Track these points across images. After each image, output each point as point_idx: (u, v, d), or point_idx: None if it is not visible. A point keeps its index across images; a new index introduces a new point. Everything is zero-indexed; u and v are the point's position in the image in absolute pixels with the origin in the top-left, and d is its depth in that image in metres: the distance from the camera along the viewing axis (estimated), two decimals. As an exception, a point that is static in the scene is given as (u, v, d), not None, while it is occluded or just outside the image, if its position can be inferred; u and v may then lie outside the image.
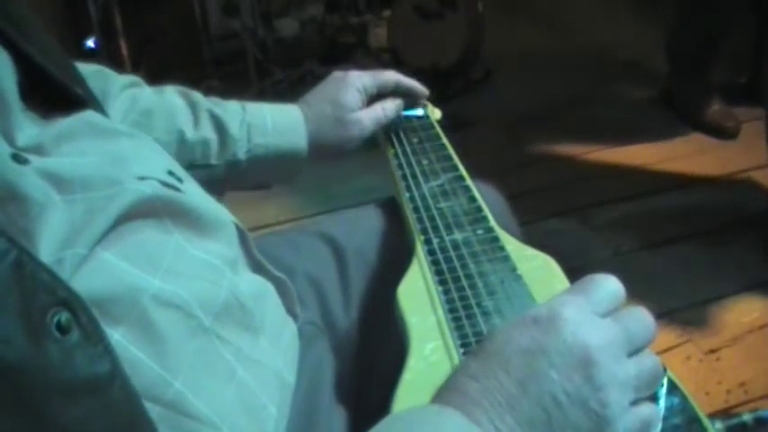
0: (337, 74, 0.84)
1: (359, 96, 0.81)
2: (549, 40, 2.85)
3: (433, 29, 2.48)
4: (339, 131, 0.81)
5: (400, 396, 0.53)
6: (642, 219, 1.85)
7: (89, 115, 0.54)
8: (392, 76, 0.85)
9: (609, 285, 0.45)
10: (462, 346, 0.56)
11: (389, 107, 0.84)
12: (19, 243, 0.36)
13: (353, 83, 0.82)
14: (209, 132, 0.75)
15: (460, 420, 0.41)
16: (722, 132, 2.13)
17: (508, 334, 0.43)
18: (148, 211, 0.49)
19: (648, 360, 0.43)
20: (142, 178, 0.50)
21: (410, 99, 0.87)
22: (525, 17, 3.06)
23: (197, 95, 0.78)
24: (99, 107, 0.58)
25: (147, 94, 0.75)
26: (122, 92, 0.73)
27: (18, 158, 0.43)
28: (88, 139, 0.51)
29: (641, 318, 0.45)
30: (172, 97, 0.76)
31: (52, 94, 0.52)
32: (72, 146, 0.49)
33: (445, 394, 0.43)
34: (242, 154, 0.76)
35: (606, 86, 2.49)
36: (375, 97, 0.84)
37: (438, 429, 0.41)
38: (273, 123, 0.78)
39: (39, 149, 0.46)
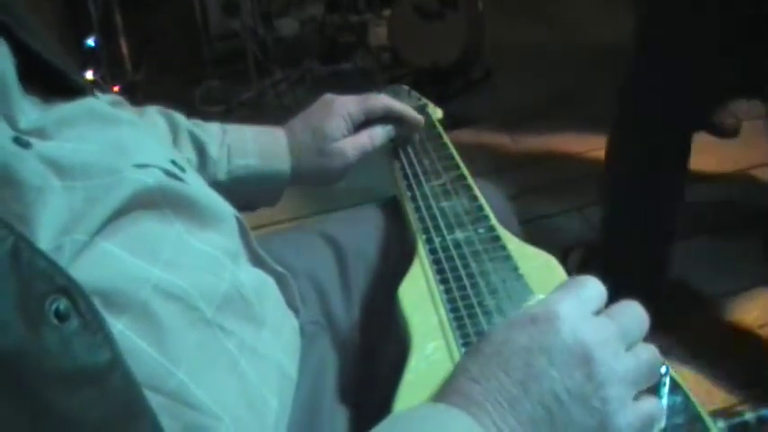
0: (326, 98, 0.81)
1: (343, 124, 0.78)
2: (550, 40, 2.85)
3: (433, 28, 2.48)
4: (320, 161, 0.78)
5: (402, 395, 0.53)
6: (642, 218, 1.85)
7: (91, 102, 0.54)
8: (381, 102, 0.80)
9: (593, 284, 0.46)
10: (464, 345, 0.56)
11: (377, 135, 0.80)
12: (16, 229, 0.36)
13: (338, 110, 0.78)
14: (188, 153, 0.74)
15: (466, 420, 0.41)
16: (722, 131, 2.13)
17: (506, 335, 0.44)
18: (149, 201, 0.49)
19: (645, 352, 0.44)
20: (144, 166, 0.50)
21: (403, 127, 0.82)
22: (525, 17, 3.06)
23: (177, 116, 0.76)
24: (97, 96, 0.58)
25: (130, 113, 0.73)
26: None
27: (20, 141, 0.43)
28: (90, 125, 0.51)
29: (634, 311, 0.45)
30: (153, 117, 0.74)
31: (51, 82, 0.52)
32: (74, 131, 0.49)
33: (445, 396, 0.43)
34: (222, 175, 0.75)
35: (606, 86, 2.49)
36: (365, 123, 0.80)
37: (443, 428, 0.41)
38: (254, 146, 0.77)
39: (41, 133, 0.46)
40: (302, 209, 1.72)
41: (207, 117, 0.81)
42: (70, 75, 0.53)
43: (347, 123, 0.79)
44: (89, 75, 2.33)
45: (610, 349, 0.42)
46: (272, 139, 0.78)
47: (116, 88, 2.34)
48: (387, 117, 0.81)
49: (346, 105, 0.79)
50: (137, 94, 2.37)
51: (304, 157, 0.78)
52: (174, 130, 0.74)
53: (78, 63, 2.33)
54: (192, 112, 0.79)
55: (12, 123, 0.45)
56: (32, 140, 0.44)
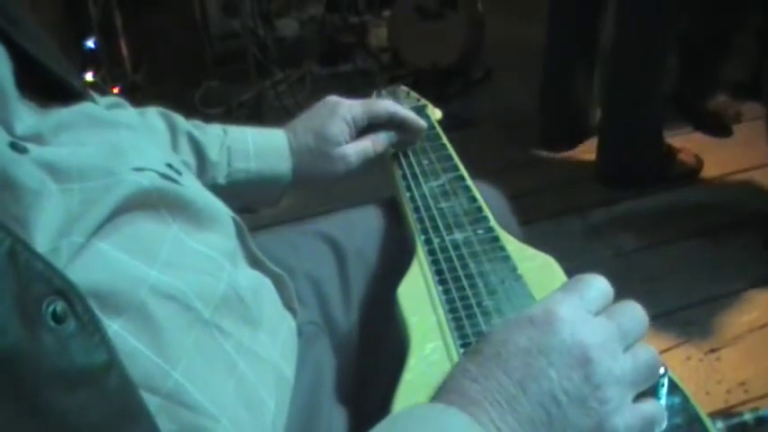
0: (329, 100, 0.81)
1: (346, 129, 0.78)
2: (549, 40, 2.84)
3: (433, 29, 2.48)
4: (322, 165, 0.78)
5: (400, 396, 0.53)
6: (642, 218, 1.85)
7: (88, 106, 0.54)
8: (386, 107, 0.80)
9: (598, 284, 0.46)
10: (463, 346, 0.56)
11: (380, 141, 0.80)
12: (13, 232, 0.37)
13: (342, 114, 0.78)
14: (187, 156, 0.73)
15: (465, 420, 0.41)
16: (723, 120, 2.13)
17: (505, 335, 0.44)
18: (146, 202, 0.49)
19: (643, 353, 0.44)
20: (140, 169, 0.50)
21: (406, 133, 0.82)
22: (525, 17, 3.06)
23: (178, 118, 0.76)
24: (95, 100, 0.58)
25: (129, 115, 0.72)
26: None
27: (16, 147, 0.43)
28: (87, 129, 0.51)
29: (633, 312, 0.45)
30: (152, 119, 0.74)
31: (48, 87, 0.52)
32: (71, 136, 0.49)
33: (444, 396, 0.43)
34: (222, 179, 0.75)
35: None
36: (368, 128, 0.80)
37: (442, 428, 0.41)
38: (255, 147, 0.76)
39: (37, 138, 0.46)
40: (302, 209, 1.72)
41: (207, 118, 0.81)
42: (68, 79, 0.53)
43: (350, 128, 0.78)
44: (89, 76, 2.33)
45: (608, 350, 0.42)
46: (274, 141, 0.78)
47: (116, 89, 2.34)
48: (390, 122, 0.81)
49: (350, 109, 0.79)
50: (136, 95, 2.37)
51: (305, 161, 0.78)
52: (173, 132, 0.74)
53: (78, 64, 2.33)
54: (191, 112, 0.79)
55: (8, 129, 0.45)
56: (29, 146, 0.44)
